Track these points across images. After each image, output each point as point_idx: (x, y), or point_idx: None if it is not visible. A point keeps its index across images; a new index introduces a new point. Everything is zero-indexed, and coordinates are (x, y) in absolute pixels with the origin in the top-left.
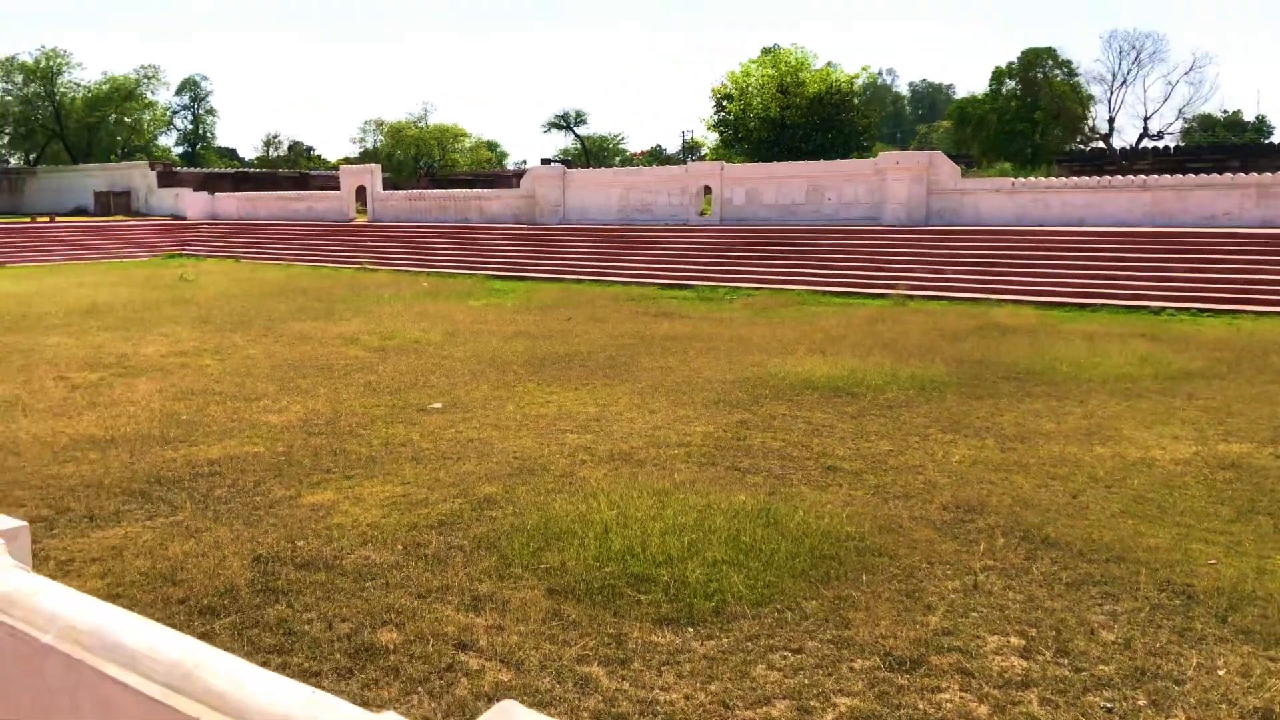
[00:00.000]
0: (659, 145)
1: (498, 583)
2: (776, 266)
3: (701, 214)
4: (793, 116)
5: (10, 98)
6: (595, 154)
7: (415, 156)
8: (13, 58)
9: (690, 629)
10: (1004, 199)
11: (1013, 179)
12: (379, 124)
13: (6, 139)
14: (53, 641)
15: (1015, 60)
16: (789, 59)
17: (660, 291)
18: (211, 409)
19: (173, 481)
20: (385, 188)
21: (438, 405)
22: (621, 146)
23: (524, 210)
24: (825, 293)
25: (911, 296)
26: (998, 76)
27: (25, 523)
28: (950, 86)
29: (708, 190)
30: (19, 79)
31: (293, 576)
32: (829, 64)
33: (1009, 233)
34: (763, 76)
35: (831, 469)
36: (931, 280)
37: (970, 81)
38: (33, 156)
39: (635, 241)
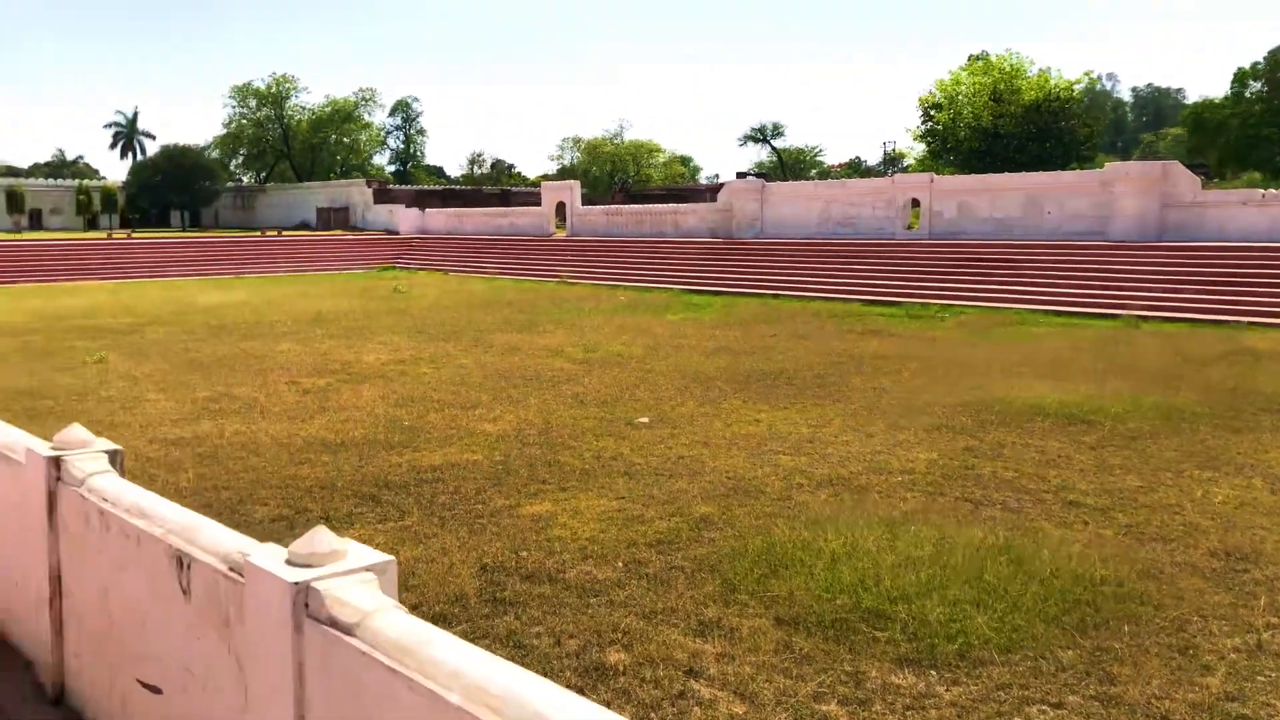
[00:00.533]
0: (858, 157)
1: (723, 609)
2: (991, 283)
3: (909, 228)
4: (1006, 126)
5: (246, 121)
6: (791, 167)
7: (610, 172)
8: (248, 84)
9: (933, 672)
10: (1253, 212)
11: (1263, 190)
12: (576, 141)
13: (241, 159)
14: (461, 703)
15: (1260, 60)
16: (1002, 66)
17: (865, 308)
18: (431, 416)
19: (399, 486)
20: (583, 204)
21: (645, 419)
22: (819, 159)
23: (720, 224)
24: (1046, 312)
25: (1145, 317)
26: (1240, 78)
27: (392, 557)
28: (1179, 91)
29: (915, 203)
30: (253, 104)
31: (519, 588)
32: (1045, 70)
33: (1261, 249)
34: (974, 84)
35: (1073, 504)
36: (1168, 300)
37: (1203, 85)
38: (263, 175)
39: (837, 256)
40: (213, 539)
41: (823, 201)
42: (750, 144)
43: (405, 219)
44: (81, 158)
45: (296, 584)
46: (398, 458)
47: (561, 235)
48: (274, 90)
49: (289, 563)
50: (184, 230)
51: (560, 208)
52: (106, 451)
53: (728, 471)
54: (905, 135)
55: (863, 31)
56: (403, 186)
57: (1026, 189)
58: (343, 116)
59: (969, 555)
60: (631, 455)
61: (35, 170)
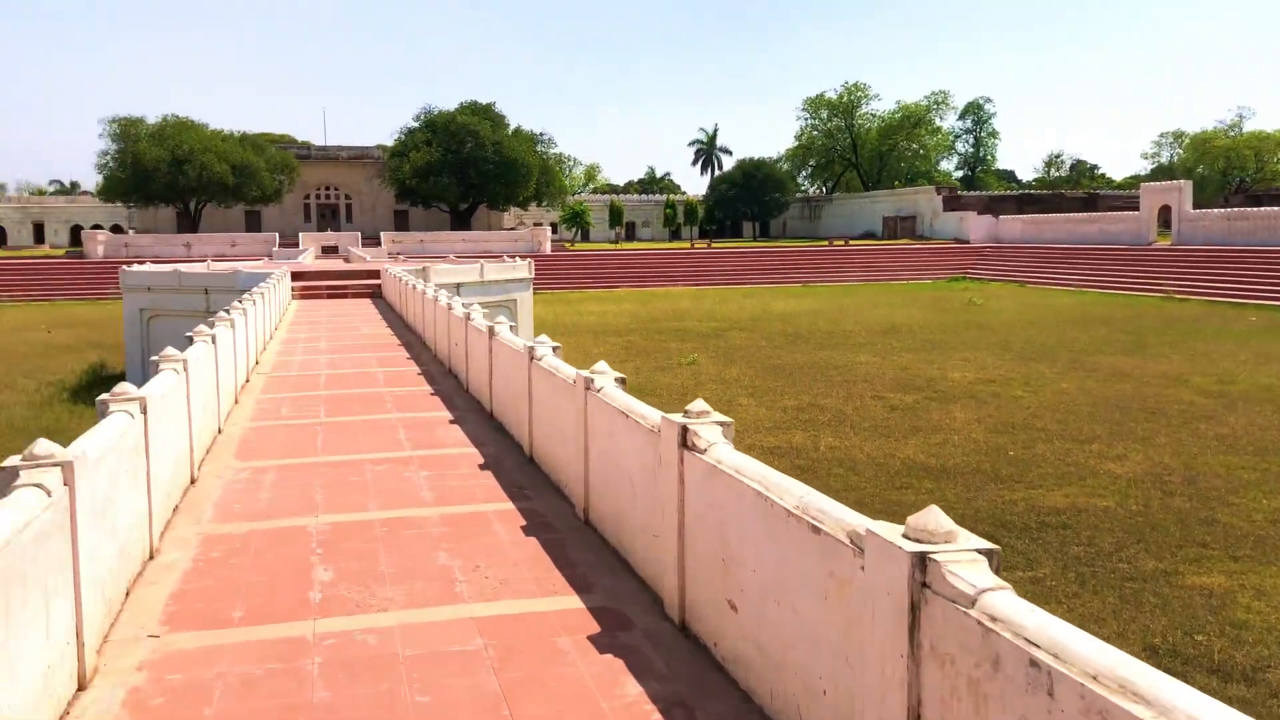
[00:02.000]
0: None
1: None
2: None
3: None
4: None
5: (816, 132)
6: None
7: (1224, 171)
8: (820, 95)
9: None
10: None
11: None
12: (1177, 136)
13: (809, 170)
14: (1098, 689)
15: None
16: None
17: None
18: (1038, 447)
19: (1020, 528)
20: (1193, 207)
21: None
22: None
23: None
24: None
25: None
26: None
27: (998, 547)
28: None
29: None
30: (824, 114)
31: (1206, 684)
32: None
33: None
34: None
35: None
36: None
37: None
38: (829, 185)
39: None
40: (836, 512)
41: None
42: None
43: (976, 227)
44: (669, 174)
45: (913, 555)
46: (1010, 493)
47: (1165, 243)
48: (845, 100)
49: (905, 537)
50: (754, 240)
51: (1163, 212)
52: (719, 424)
53: None
54: None
55: None
56: (973, 193)
57: None
58: (913, 122)
59: None
60: None
61: (630, 187)
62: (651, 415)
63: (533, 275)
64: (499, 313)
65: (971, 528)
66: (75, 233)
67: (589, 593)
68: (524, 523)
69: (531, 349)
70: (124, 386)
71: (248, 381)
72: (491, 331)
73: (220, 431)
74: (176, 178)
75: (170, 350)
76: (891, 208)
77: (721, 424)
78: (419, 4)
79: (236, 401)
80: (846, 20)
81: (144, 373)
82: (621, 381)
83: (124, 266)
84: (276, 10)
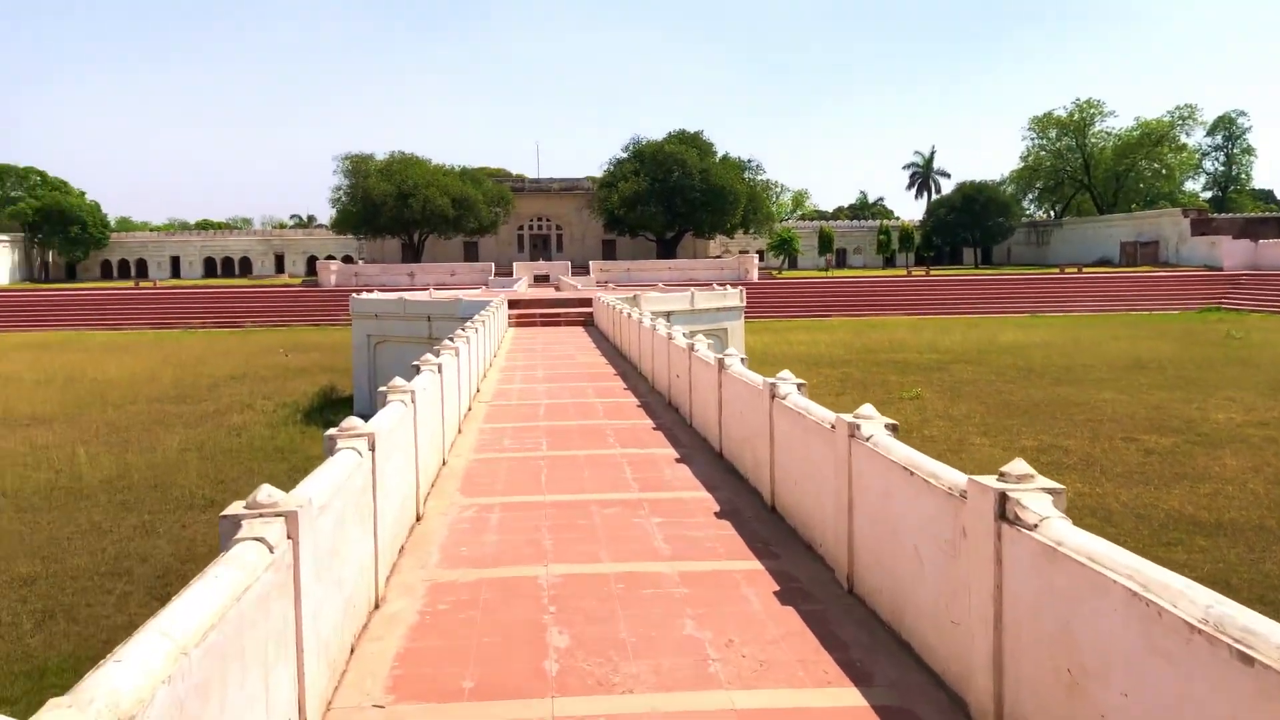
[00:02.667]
0: None
1: None
2: None
3: None
4: None
5: (1043, 153)
6: None
7: None
8: (1049, 114)
9: None
10: None
11: None
12: None
13: (1035, 193)
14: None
15: None
16: None
17: None
18: None
19: None
20: None
21: None
22: None
23: None
24: None
25: None
26: None
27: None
28: None
29: None
30: (1052, 134)
31: None
32: None
33: None
34: None
35: None
36: None
37: None
38: (1058, 209)
39: None
40: (948, 474)
41: None
42: None
43: (1230, 252)
44: (881, 199)
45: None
46: None
47: None
48: (1076, 118)
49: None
50: (975, 267)
51: None
52: (1047, 490)
53: None
54: None
55: None
56: (1225, 215)
57: None
58: (1154, 140)
59: None
60: None
61: (839, 213)
62: (948, 475)
63: (744, 304)
64: (708, 341)
65: (1261, 595)
66: (311, 263)
67: (869, 685)
68: (776, 587)
69: (773, 386)
70: (352, 421)
71: (470, 409)
72: (721, 365)
73: (445, 463)
74: (402, 210)
75: (398, 381)
76: (1130, 232)
77: (1050, 491)
78: (628, 38)
79: (460, 431)
80: (1076, 35)
81: (371, 398)
82: (893, 429)
83: (353, 294)
84: (494, 51)
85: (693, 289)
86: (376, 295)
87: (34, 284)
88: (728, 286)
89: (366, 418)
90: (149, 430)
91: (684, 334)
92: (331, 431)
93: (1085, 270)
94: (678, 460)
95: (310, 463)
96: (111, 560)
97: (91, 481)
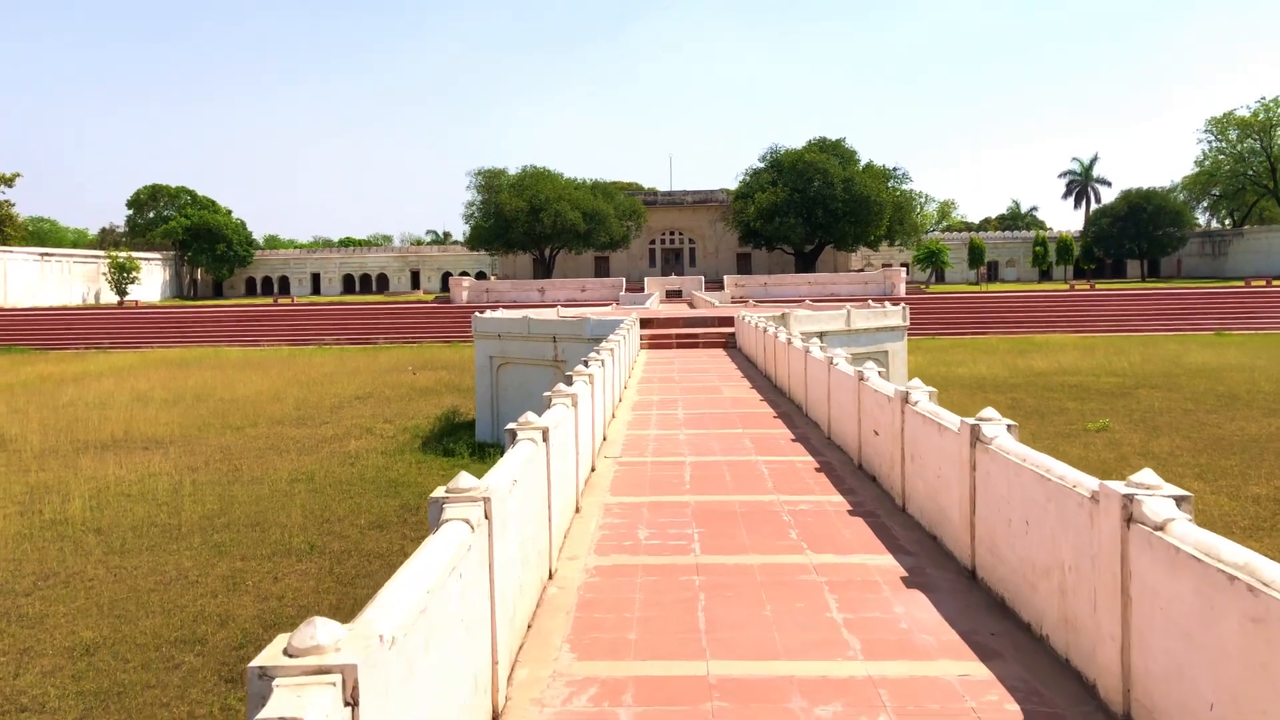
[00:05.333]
0: None
1: None
2: None
3: None
4: None
5: (1222, 156)
6: None
7: None
8: (1228, 114)
9: None
10: None
11: None
12: None
13: (1209, 200)
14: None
15: None
16: None
17: None
18: None
19: None
20: None
21: None
22: None
23: None
24: None
25: None
26: None
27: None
28: None
29: None
30: (1232, 136)
31: None
32: None
33: None
34: None
35: None
36: None
37: None
38: (1237, 217)
39: None
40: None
41: None
42: None
43: None
44: (1035, 209)
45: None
46: None
47: None
48: (1260, 117)
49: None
50: (1141, 281)
51: None
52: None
53: None
54: None
55: None
56: None
57: None
58: None
59: None
60: None
61: (988, 224)
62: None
63: (908, 323)
64: (865, 364)
65: None
66: (445, 279)
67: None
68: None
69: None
70: (465, 482)
71: (593, 471)
72: (980, 438)
73: (551, 576)
74: (533, 225)
75: (530, 417)
76: None
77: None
78: (764, 44)
79: (578, 510)
80: (1255, 30)
81: (493, 423)
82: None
83: (476, 313)
84: (627, 65)
85: (848, 306)
86: (500, 314)
87: (182, 300)
88: (886, 304)
89: (487, 448)
90: (262, 457)
91: (845, 358)
92: (437, 494)
93: (1275, 283)
94: (907, 583)
95: (422, 499)
96: (188, 623)
97: (191, 518)
